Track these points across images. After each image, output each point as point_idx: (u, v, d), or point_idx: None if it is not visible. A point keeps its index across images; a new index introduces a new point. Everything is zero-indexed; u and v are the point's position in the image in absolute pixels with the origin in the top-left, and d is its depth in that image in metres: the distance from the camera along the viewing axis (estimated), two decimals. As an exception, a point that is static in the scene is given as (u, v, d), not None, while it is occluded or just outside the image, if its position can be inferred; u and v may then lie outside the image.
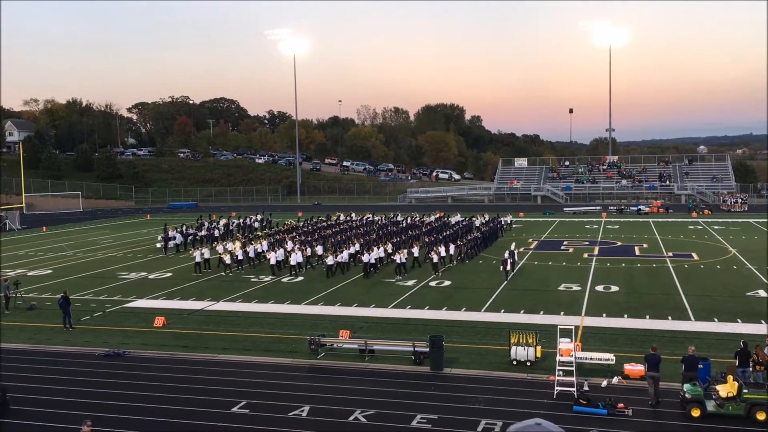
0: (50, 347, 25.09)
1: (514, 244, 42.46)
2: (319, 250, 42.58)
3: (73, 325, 27.70)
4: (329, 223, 57.43)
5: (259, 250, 42.50)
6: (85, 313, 30.01)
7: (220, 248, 43.16)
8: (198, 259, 40.18)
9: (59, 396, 19.82)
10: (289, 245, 42.25)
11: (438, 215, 60.06)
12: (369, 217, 60.53)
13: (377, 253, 39.39)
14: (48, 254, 50.11)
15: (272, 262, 39.17)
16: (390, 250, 40.10)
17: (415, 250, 40.52)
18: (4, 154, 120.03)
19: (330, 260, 38.32)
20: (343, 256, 39.42)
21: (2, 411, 18.28)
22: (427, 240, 44.18)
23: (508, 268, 36.02)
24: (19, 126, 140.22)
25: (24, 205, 77.96)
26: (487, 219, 56.70)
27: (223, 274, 39.31)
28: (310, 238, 47.09)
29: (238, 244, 43.59)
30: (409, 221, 56.58)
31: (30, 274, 41.08)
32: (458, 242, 43.19)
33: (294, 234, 50.26)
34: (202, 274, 39.23)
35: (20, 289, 32.87)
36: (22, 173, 77.37)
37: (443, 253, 39.68)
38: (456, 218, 57.93)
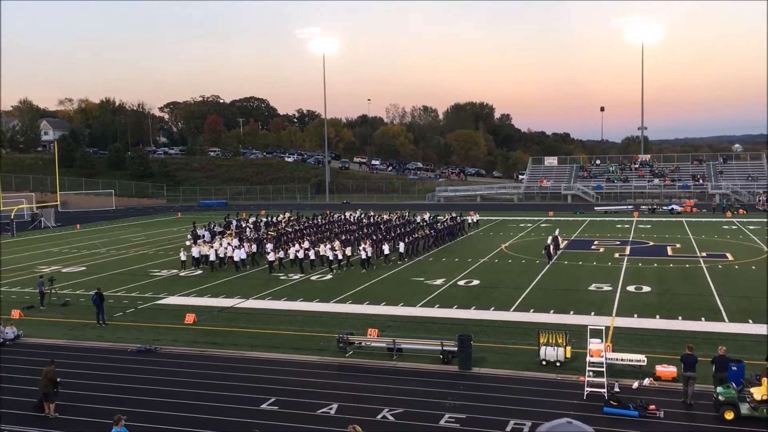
0: (83, 343, 25.55)
1: (558, 230, 44.93)
2: (269, 247, 42.72)
3: (106, 321, 28.15)
4: (293, 221, 57.32)
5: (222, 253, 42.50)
6: (117, 310, 30.48)
7: (194, 250, 42.91)
8: (183, 258, 41.80)
9: (92, 391, 20.15)
10: (235, 242, 43.15)
11: (399, 213, 60.71)
12: (339, 216, 60.87)
13: (324, 249, 40.38)
14: (82, 251, 50.98)
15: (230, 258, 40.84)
16: (336, 248, 40.36)
17: (362, 247, 40.65)
18: (39, 153, 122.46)
19: (271, 256, 39.69)
20: (289, 252, 40.53)
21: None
22: (374, 238, 44.48)
23: (551, 251, 36.88)
24: (54, 125, 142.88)
25: (59, 203, 79.32)
26: (453, 216, 57.55)
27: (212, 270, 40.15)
28: (264, 237, 47.56)
29: (206, 245, 44.20)
30: (372, 219, 57.30)
31: (64, 270, 41.84)
32: (405, 240, 43.93)
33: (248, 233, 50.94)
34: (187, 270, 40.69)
35: (55, 286, 33.46)
36: (57, 171, 78.69)
37: (387, 251, 41.33)
38: (425, 216, 58.74)
